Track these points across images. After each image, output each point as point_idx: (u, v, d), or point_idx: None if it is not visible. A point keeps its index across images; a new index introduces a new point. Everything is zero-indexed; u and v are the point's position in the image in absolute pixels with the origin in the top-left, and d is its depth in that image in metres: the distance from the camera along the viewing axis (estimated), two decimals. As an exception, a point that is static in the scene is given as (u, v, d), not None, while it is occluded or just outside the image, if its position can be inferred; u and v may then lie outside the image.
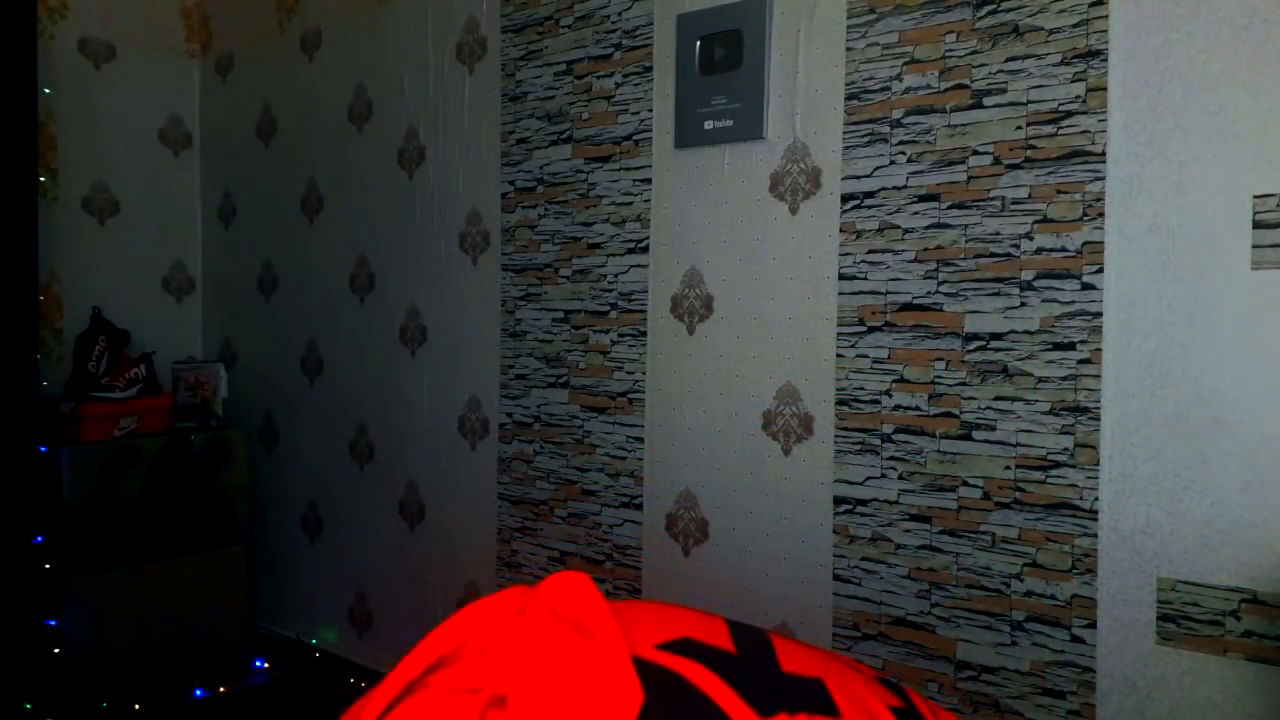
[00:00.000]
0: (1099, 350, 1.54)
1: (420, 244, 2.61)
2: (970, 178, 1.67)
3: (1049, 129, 1.58)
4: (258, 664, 2.94)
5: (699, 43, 1.99)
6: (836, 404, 1.84)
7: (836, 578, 1.85)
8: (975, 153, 1.66)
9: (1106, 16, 1.52)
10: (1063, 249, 1.57)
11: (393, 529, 2.71)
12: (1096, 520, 1.55)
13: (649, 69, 2.10)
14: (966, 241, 1.67)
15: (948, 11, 1.68)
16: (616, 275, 2.17)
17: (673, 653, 0.60)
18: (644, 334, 2.13)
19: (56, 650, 2.54)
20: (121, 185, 3.10)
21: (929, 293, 1.71)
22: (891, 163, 1.76)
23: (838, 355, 1.83)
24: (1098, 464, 1.54)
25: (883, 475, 1.78)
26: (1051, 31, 1.57)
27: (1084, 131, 1.54)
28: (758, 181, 1.93)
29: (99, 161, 3.04)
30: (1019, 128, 1.61)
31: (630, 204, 2.14)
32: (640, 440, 2.14)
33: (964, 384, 1.68)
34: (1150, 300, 1.49)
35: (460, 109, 2.50)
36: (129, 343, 2.88)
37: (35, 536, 2.46)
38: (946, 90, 1.69)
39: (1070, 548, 1.57)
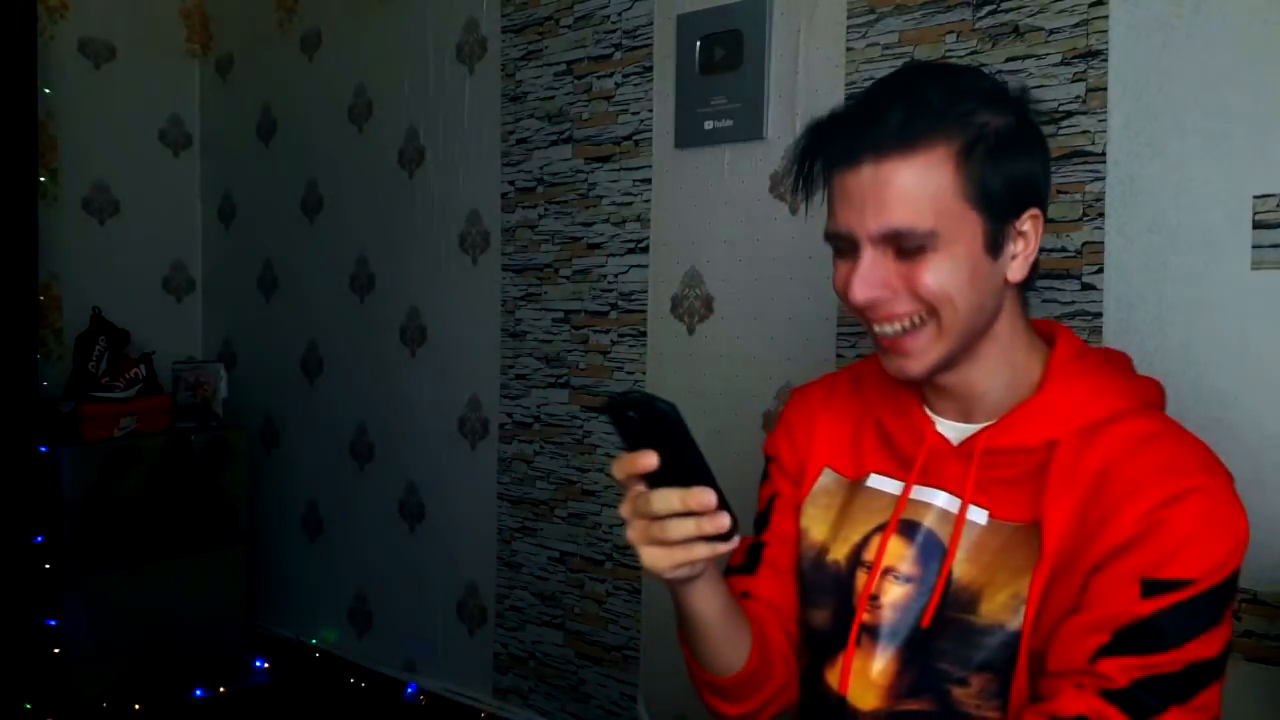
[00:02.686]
0: (1099, 350, 1.54)
1: (420, 244, 2.61)
2: (970, 178, 1.66)
3: (1049, 129, 1.57)
4: (258, 664, 2.94)
5: (699, 43, 1.99)
6: (836, 404, 1.83)
7: (836, 578, 1.85)
8: (975, 153, 1.66)
9: (1106, 16, 1.52)
10: (1063, 249, 1.57)
11: (393, 529, 2.71)
12: (1096, 520, 1.54)
13: (649, 69, 2.10)
14: (966, 241, 1.67)
15: (948, 11, 1.68)
16: (616, 275, 2.17)
17: None
18: (644, 334, 2.13)
19: (56, 650, 2.54)
20: (121, 185, 3.10)
21: (929, 293, 1.71)
22: (891, 163, 1.76)
23: (838, 355, 1.83)
24: (1098, 464, 1.54)
25: (883, 475, 1.78)
26: (1051, 31, 1.57)
27: (1084, 131, 1.54)
28: (758, 181, 1.93)
29: (99, 161, 3.04)
30: (1019, 128, 1.61)
31: (630, 204, 2.14)
32: (640, 440, 2.13)
33: (964, 384, 1.68)
34: (1150, 300, 1.49)
35: (460, 109, 2.50)
36: (129, 343, 2.87)
37: (35, 536, 2.46)
38: (946, 90, 1.69)
39: (1070, 548, 1.57)
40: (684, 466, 0.82)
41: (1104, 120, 1.52)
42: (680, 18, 2.02)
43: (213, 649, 2.86)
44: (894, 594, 1.00)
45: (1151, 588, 0.85)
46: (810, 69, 1.86)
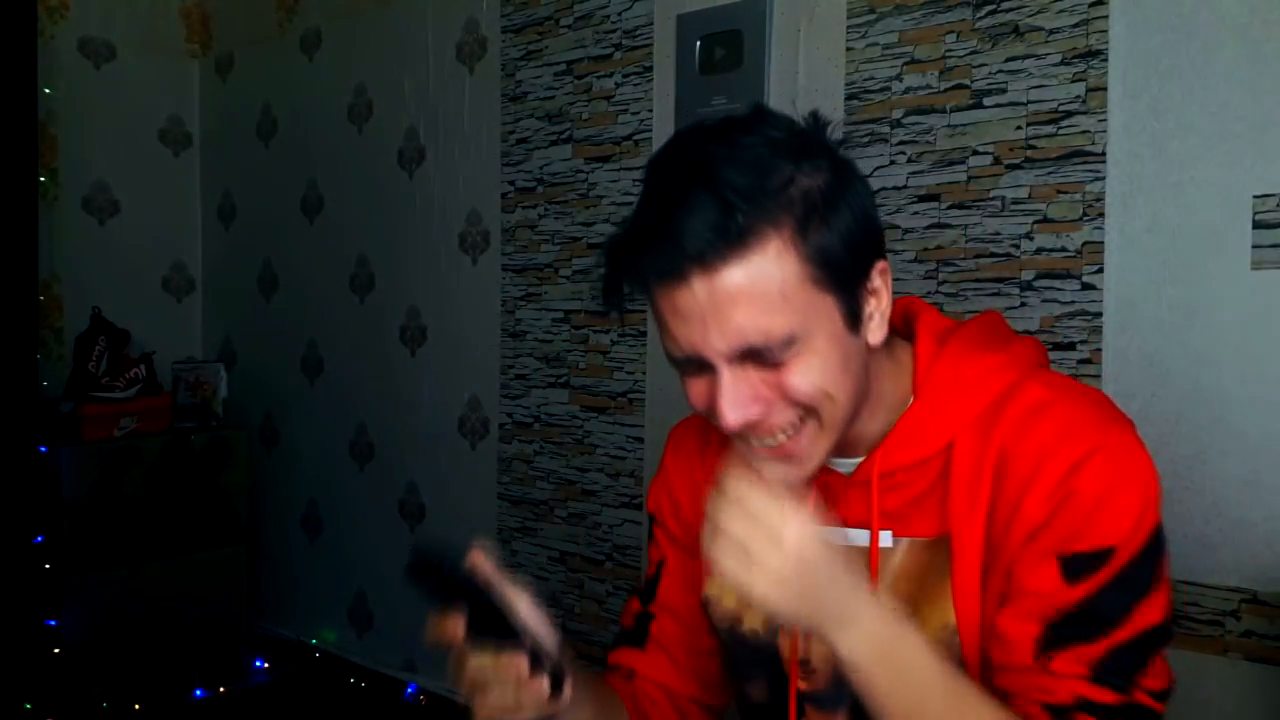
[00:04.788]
0: (1099, 350, 1.54)
1: (420, 244, 2.61)
2: (970, 178, 1.67)
3: (1049, 129, 1.58)
4: (258, 664, 2.94)
5: (699, 43, 1.99)
6: (836, 404, 1.83)
7: (836, 578, 1.84)
8: (975, 153, 1.66)
9: (1106, 16, 1.52)
10: (1063, 249, 1.57)
11: (393, 529, 2.71)
12: (1096, 520, 1.54)
13: (649, 69, 2.10)
14: (966, 241, 1.67)
15: (948, 11, 1.68)
16: (616, 275, 2.17)
17: None
18: (644, 334, 2.13)
19: (56, 650, 2.54)
20: (121, 185, 3.10)
21: (929, 293, 1.71)
22: (891, 163, 1.76)
23: (838, 355, 1.83)
24: (1098, 464, 1.54)
25: (883, 475, 1.78)
26: (1051, 31, 1.57)
27: (1084, 131, 1.54)
28: (758, 181, 1.93)
29: (99, 161, 3.04)
30: (1019, 128, 1.61)
31: (630, 204, 2.13)
32: (640, 440, 2.14)
33: (964, 384, 1.68)
34: (1150, 300, 1.49)
35: (460, 109, 2.50)
36: (129, 343, 2.87)
37: (35, 536, 2.46)
38: (946, 90, 1.69)
39: (1070, 548, 1.57)
40: (495, 622, 0.78)
41: (1104, 120, 1.52)
42: (680, 18, 2.02)
43: (213, 649, 2.86)
44: (822, 652, 0.91)
45: (1073, 566, 0.80)
46: (810, 69, 1.86)
